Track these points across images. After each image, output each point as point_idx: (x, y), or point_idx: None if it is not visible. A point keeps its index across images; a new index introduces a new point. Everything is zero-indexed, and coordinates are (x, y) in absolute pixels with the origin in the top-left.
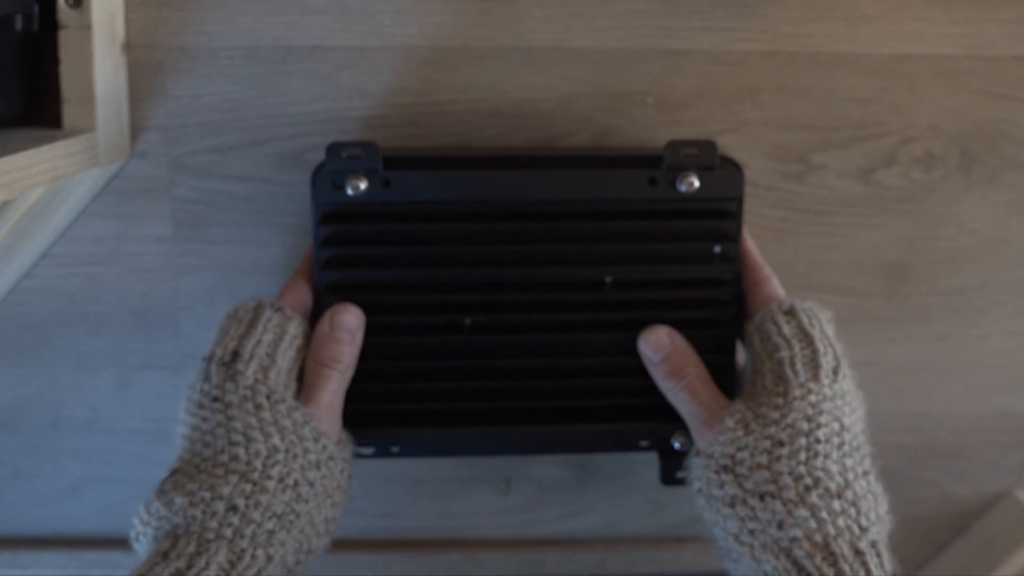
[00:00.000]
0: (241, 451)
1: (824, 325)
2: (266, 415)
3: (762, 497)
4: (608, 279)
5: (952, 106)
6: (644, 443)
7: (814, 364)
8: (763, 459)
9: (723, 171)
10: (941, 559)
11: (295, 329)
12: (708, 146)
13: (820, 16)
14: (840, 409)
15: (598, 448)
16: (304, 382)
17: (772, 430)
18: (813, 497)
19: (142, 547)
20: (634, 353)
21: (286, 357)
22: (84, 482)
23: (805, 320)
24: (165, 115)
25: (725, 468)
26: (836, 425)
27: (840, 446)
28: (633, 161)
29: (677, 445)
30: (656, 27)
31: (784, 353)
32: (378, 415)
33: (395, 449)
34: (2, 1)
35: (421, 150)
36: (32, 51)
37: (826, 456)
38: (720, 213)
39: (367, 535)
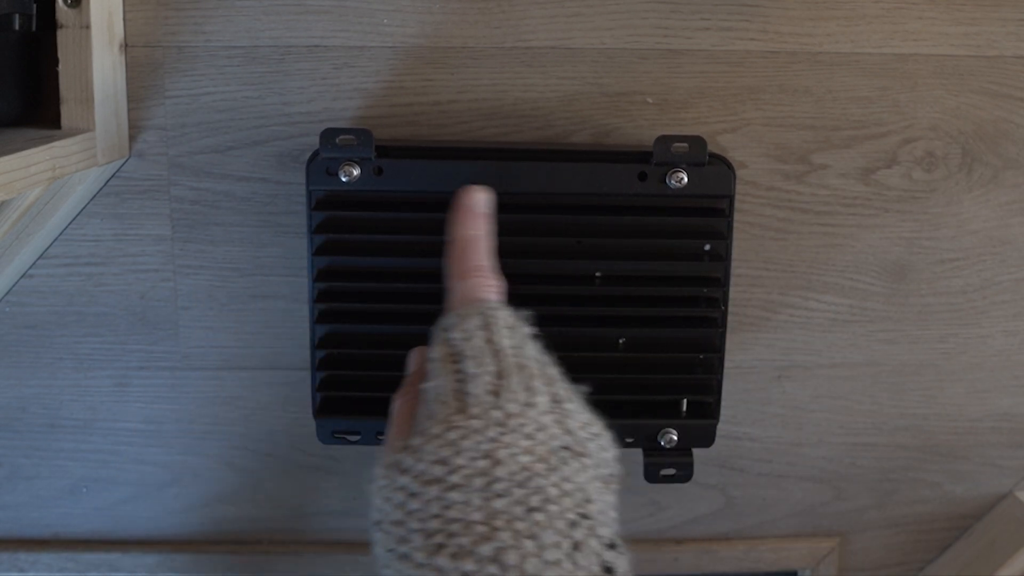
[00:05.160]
0: None
1: (496, 332)
2: None
3: (400, 559)
4: (598, 274)
5: (953, 106)
6: (630, 440)
7: (460, 393)
8: (397, 515)
9: (713, 168)
10: (942, 560)
11: None
12: (699, 142)
13: (820, 16)
14: (498, 441)
15: None
16: None
17: (404, 480)
18: (442, 558)
19: None
20: (622, 349)
21: None
22: (83, 483)
23: (458, 335)
24: (164, 115)
25: (376, 523)
26: (483, 463)
27: (485, 488)
28: (624, 156)
29: (663, 442)
30: (656, 27)
31: (431, 383)
32: (365, 402)
33: (381, 437)
34: (0, 1)
35: (415, 140)
36: (30, 51)
37: (465, 504)
38: (710, 211)
39: (367, 536)
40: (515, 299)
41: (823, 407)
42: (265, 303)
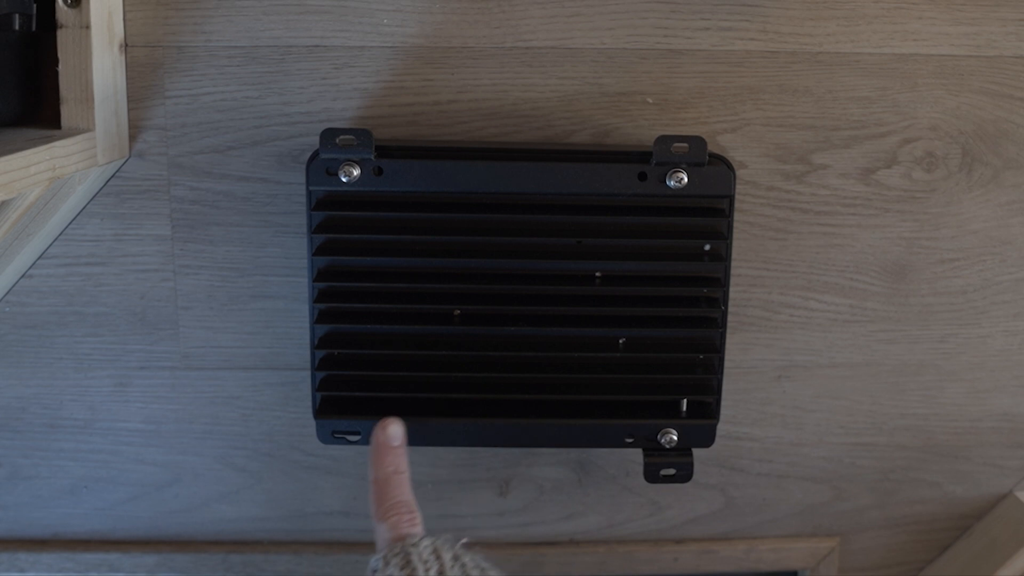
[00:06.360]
0: None
1: (417, 568)
2: None
3: None
4: (598, 274)
5: (953, 106)
6: (629, 439)
7: None
8: None
9: (713, 169)
10: (942, 560)
11: None
12: (699, 142)
13: (820, 16)
14: None
15: (584, 443)
16: None
17: None
18: None
19: None
20: (622, 349)
21: None
22: (83, 483)
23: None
24: (164, 115)
25: None
26: None
27: None
28: (624, 156)
29: (663, 442)
30: (656, 27)
31: None
32: (364, 402)
33: None
34: (0, 1)
35: (415, 140)
36: (30, 51)
37: None
38: (710, 211)
39: (367, 536)
40: (516, 299)
41: (823, 407)
42: (265, 303)
